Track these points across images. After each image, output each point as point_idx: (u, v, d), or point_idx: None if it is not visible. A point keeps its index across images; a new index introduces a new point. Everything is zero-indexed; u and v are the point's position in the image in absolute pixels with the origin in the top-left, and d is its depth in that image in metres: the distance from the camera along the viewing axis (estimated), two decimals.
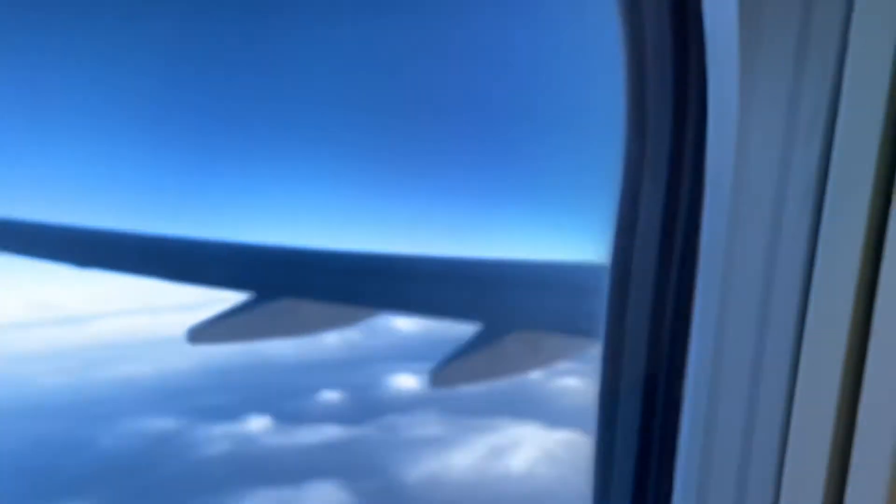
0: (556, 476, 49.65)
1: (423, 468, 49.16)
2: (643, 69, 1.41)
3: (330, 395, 72.36)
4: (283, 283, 5.70)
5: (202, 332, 5.34)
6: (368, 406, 68.07)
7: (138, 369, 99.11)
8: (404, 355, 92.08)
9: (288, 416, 64.86)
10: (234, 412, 65.48)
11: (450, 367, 4.10)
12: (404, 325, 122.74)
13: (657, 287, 1.61)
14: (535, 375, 72.54)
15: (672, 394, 1.58)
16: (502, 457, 52.15)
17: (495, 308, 4.77)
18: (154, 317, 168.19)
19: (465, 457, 51.19)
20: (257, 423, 62.32)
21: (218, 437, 58.49)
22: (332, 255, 6.35)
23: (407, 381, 76.27)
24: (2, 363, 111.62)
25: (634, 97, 1.47)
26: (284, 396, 72.31)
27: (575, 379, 72.44)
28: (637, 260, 1.63)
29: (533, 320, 4.50)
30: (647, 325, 1.63)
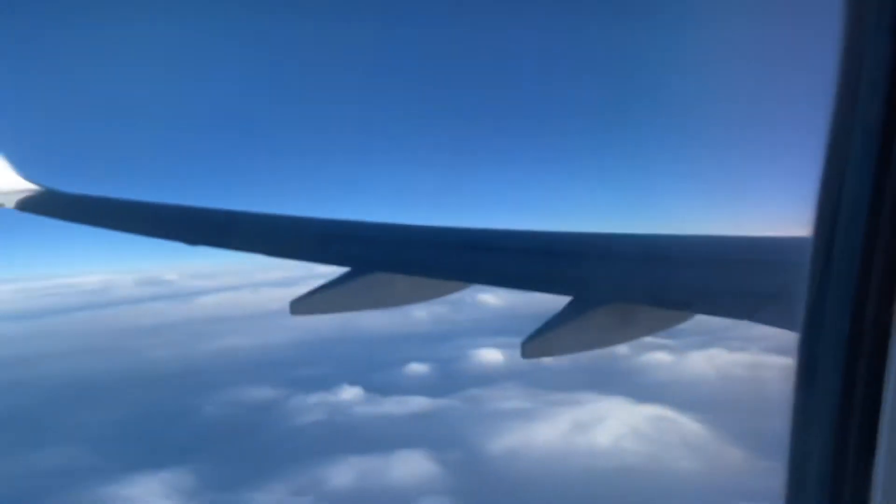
0: (642, 452, 49.02)
1: (507, 441, 49.67)
2: (859, 67, 1.42)
3: (417, 368, 74.11)
4: (377, 258, 6.11)
5: (303, 305, 5.67)
6: (454, 379, 69.24)
7: (241, 342, 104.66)
8: (489, 330, 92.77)
9: (378, 386, 66.95)
10: (327, 383, 68.21)
11: (541, 339, 4.26)
12: (490, 300, 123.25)
13: (859, 281, 1.49)
14: (624, 349, 71.60)
15: (871, 389, 1.47)
16: (586, 431, 51.93)
17: (586, 280, 4.93)
18: (255, 292, 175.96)
19: (548, 430, 51.32)
20: (349, 394, 64.72)
21: (312, 406, 61.19)
22: (425, 229, 6.68)
23: (492, 355, 76.96)
24: (116, 337, 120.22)
25: (846, 88, 1.46)
26: (375, 368, 74.65)
27: (664, 353, 71.10)
28: (839, 254, 1.52)
29: (624, 292, 4.61)
30: (848, 318, 1.53)
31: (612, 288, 4.89)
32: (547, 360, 72.51)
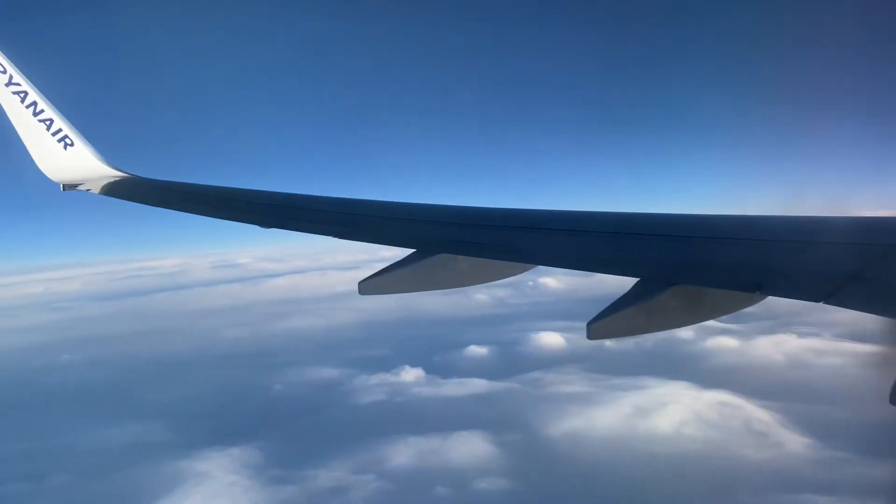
0: (705, 439, 47.97)
1: (566, 424, 49.49)
2: None
3: (478, 350, 74.50)
4: (442, 239, 6.14)
5: (370, 285, 5.77)
6: (514, 361, 69.32)
7: (308, 323, 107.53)
8: (551, 313, 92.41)
9: (438, 368, 67.75)
10: (389, 364, 69.49)
11: (607, 320, 4.42)
12: (552, 283, 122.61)
13: None
14: (688, 333, 70.12)
15: None
16: (648, 416, 51.24)
17: (653, 261, 5.06)
18: (322, 275, 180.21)
19: (609, 415, 50.85)
20: (410, 374, 65.77)
21: (374, 386, 62.49)
22: (490, 211, 6.89)
23: (552, 339, 76.59)
24: (192, 317, 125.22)
25: None
26: (436, 349, 75.44)
27: (730, 338, 69.22)
28: None
29: (692, 274, 4.72)
30: None
31: (679, 269, 4.80)
32: (610, 344, 71.77)
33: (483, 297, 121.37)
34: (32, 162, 9.79)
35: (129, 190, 9.79)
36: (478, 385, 59.85)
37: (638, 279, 4.61)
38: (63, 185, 10.01)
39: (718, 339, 67.87)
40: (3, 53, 9.29)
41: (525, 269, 5.91)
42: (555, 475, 40.97)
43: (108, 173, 10.12)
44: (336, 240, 7.01)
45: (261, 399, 61.82)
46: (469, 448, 45.29)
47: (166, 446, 49.57)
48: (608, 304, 4.48)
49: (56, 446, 52.90)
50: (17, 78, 9.43)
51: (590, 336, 4.40)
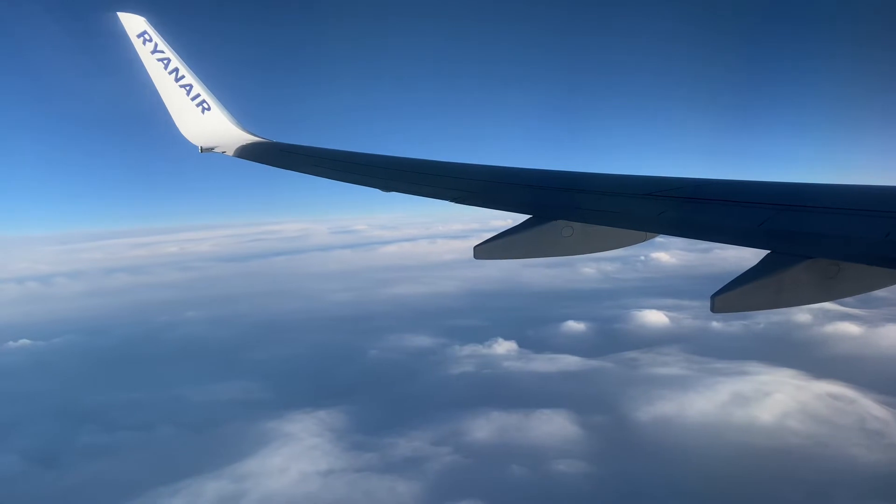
0: (809, 434, 44.04)
1: (657, 409, 47.04)
2: None
3: (575, 326, 72.55)
4: (559, 205, 6.15)
5: (485, 249, 5.91)
6: (611, 339, 66.85)
7: (411, 290, 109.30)
8: (659, 290, 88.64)
9: (532, 342, 66.61)
10: (483, 335, 69.12)
11: (734, 293, 4.09)
12: (665, 258, 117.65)
13: None
14: (806, 316, 64.89)
15: None
16: (747, 405, 47.72)
17: (786, 232, 4.58)
18: (432, 243, 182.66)
19: (704, 401, 47.83)
20: (503, 347, 65.08)
21: (464, 357, 62.38)
22: (608, 177, 6.58)
23: (655, 317, 73.27)
24: (303, 280, 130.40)
25: None
26: (533, 323, 74.25)
27: (853, 323, 63.34)
28: None
29: (829, 247, 4.27)
30: None
31: (817, 241, 4.47)
32: (716, 325, 67.47)
33: (590, 270, 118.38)
34: (174, 126, 10.46)
35: (260, 153, 10.30)
36: (569, 362, 58.32)
37: (768, 251, 4.44)
38: (201, 148, 10.62)
39: (839, 324, 62.31)
40: (149, 22, 9.95)
41: (645, 239, 5.78)
42: (638, 462, 39.18)
43: (242, 137, 10.78)
44: (450, 208, 7.19)
45: (355, 363, 63.39)
46: (551, 427, 44.22)
47: (262, 405, 51.93)
48: (725, 281, 4.37)
49: (168, 398, 56.77)
50: (162, 46, 10.03)
51: (713, 308, 4.28)
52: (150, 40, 9.97)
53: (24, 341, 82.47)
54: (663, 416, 44.94)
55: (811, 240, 4.54)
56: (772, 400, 46.31)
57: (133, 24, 9.90)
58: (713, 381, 50.42)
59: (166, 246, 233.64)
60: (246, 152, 10.44)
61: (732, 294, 4.33)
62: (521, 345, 64.58)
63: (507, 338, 66.33)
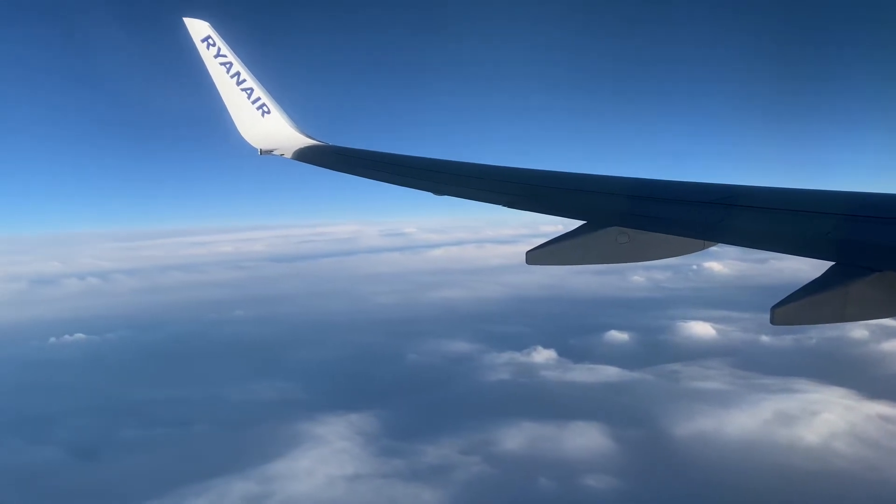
0: (857, 457, 41.64)
1: (696, 424, 45.28)
2: None
3: (618, 336, 70.92)
4: (614, 211, 6.01)
5: (538, 255, 5.85)
6: (655, 350, 65.00)
7: (456, 294, 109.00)
8: (709, 300, 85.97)
9: (573, 351, 65.35)
10: (523, 342, 68.22)
11: (796, 304, 3.92)
12: (718, 268, 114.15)
13: None
14: (863, 332, 61.91)
15: None
16: (792, 424, 45.53)
17: (856, 243, 4.37)
18: (480, 248, 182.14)
19: (746, 418, 45.78)
20: (542, 355, 64.06)
21: (502, 365, 61.67)
22: (665, 184, 6.48)
23: (702, 329, 71.01)
24: (351, 282, 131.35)
25: None
26: (574, 332, 72.92)
27: None
28: None
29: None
30: None
31: (884, 254, 4.29)
32: (766, 339, 64.99)
33: (640, 278, 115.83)
34: (234, 128, 10.86)
35: (316, 156, 10.56)
36: (608, 373, 57.02)
37: (833, 263, 4.31)
38: (260, 150, 10.94)
39: None
40: (213, 27, 10.35)
41: (703, 248, 5.68)
42: (671, 480, 37.85)
43: (299, 140, 11.08)
44: (500, 212, 7.20)
45: (393, 367, 63.36)
46: (583, 440, 43.20)
47: (297, 406, 52.34)
48: (779, 293, 4.24)
49: (208, 396, 57.80)
50: (224, 50, 10.43)
51: (773, 321, 4.14)
52: (214, 45, 10.31)
53: (79, 335, 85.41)
54: (701, 433, 43.40)
55: (880, 252, 4.35)
56: (818, 420, 44.23)
57: (198, 28, 10.28)
58: (757, 397, 48.52)
59: (222, 245, 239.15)
60: (303, 155, 10.68)
61: (794, 306, 4.16)
62: (560, 353, 63.49)
63: (546, 346, 65.32)
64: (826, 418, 44.36)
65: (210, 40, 10.30)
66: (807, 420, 44.34)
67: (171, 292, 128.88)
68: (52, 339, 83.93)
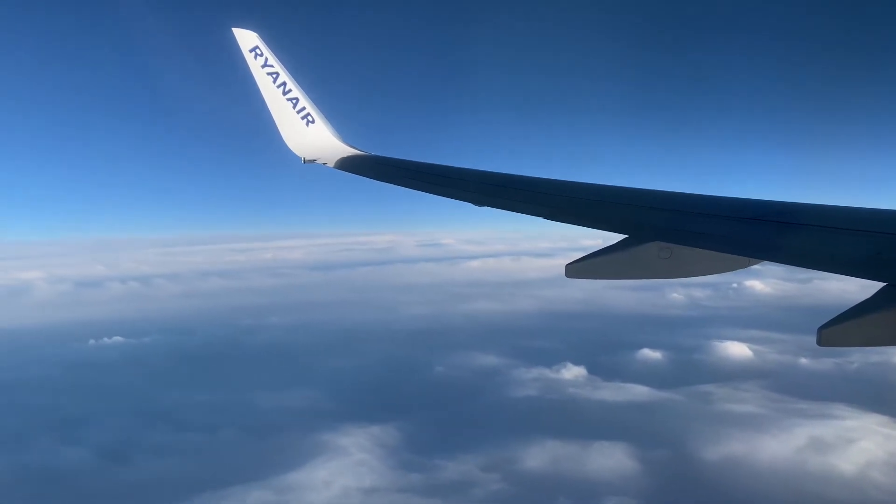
0: (895, 488, 39.89)
1: (724, 449, 43.82)
2: None
3: (651, 354, 69.44)
4: (656, 226, 5.97)
5: (578, 268, 5.84)
6: (687, 370, 63.33)
7: (488, 307, 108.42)
8: (747, 320, 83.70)
9: (603, 368, 64.13)
10: (553, 358, 67.23)
11: (844, 326, 3.84)
12: (759, 286, 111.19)
13: None
14: None
15: None
16: (827, 451, 43.76)
17: None
18: (516, 260, 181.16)
19: (778, 444, 44.18)
20: (571, 372, 63.03)
21: (530, 380, 60.85)
22: (709, 199, 6.31)
23: (738, 350, 69.05)
24: (384, 292, 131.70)
25: None
26: (606, 348, 71.65)
27: None
28: None
29: None
30: None
31: None
32: (803, 362, 62.72)
33: (678, 295, 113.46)
34: (279, 137, 11.05)
35: (359, 165, 10.63)
36: (638, 392, 55.80)
37: (885, 284, 4.15)
38: (304, 159, 11.05)
39: None
40: (261, 38, 10.61)
41: (747, 265, 5.66)
42: None
43: (343, 149, 11.18)
44: (540, 224, 7.32)
45: (420, 379, 63.12)
46: (607, 460, 42.26)
47: (321, 415, 52.44)
48: (823, 313, 4.10)
49: (237, 402, 58.40)
50: (272, 60, 10.68)
51: (820, 342, 4.00)
52: (261, 55, 10.54)
53: (117, 338, 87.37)
54: (730, 458, 42.06)
55: None
56: (855, 448, 42.51)
57: (246, 39, 10.54)
58: (791, 422, 46.89)
59: (262, 252, 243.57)
60: (346, 164, 10.74)
61: (842, 327, 3.99)
62: (590, 371, 62.44)
63: (576, 363, 64.31)
64: (863, 446, 42.62)
65: (258, 50, 10.53)
66: (842, 448, 42.66)
67: (209, 298, 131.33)
68: (92, 341, 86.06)
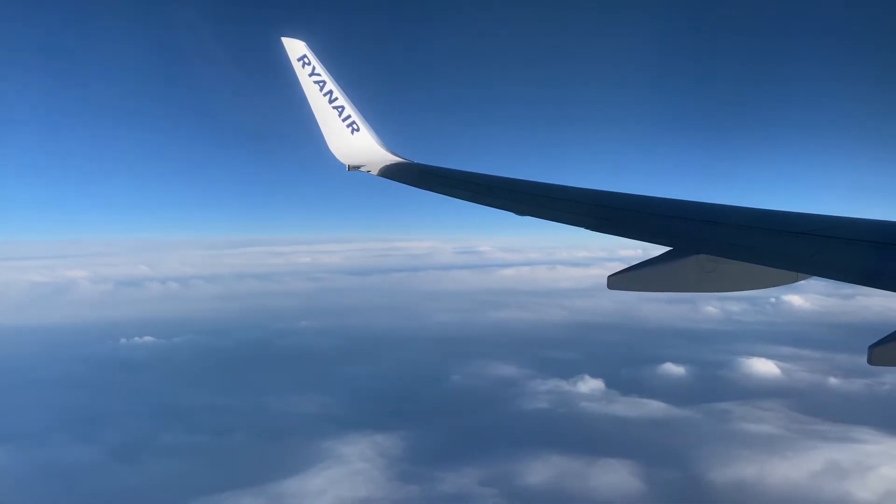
0: None
1: (736, 470, 42.24)
2: None
3: (674, 369, 67.59)
4: (704, 238, 5.94)
5: (620, 280, 5.80)
6: (709, 387, 61.43)
7: (516, 316, 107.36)
8: (781, 336, 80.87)
9: (622, 382, 62.68)
10: (571, 370, 65.96)
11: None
12: (798, 302, 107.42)
13: None
14: None
15: None
16: (844, 477, 41.68)
17: None
18: (551, 269, 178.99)
19: (792, 467, 42.40)
20: (587, 385, 61.74)
21: (544, 392, 59.81)
22: (756, 212, 6.27)
23: (764, 367, 66.67)
24: (415, 298, 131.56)
25: None
26: (629, 362, 70.05)
27: None
28: None
29: None
30: None
31: None
32: (833, 382, 60.33)
33: (713, 309, 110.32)
34: (324, 144, 11.34)
35: (402, 173, 10.86)
36: (654, 408, 54.33)
37: None
38: (348, 166, 11.34)
39: None
40: (309, 47, 10.95)
41: (795, 280, 5.61)
42: None
43: (386, 157, 11.43)
44: (579, 234, 7.10)
45: (435, 387, 62.69)
46: (612, 478, 41.13)
47: (330, 422, 52.48)
48: (865, 332, 4.14)
49: (253, 405, 58.91)
50: (319, 69, 10.96)
51: (871, 361, 3.95)
52: (309, 63, 10.82)
53: (148, 338, 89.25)
54: (738, 481, 40.51)
55: None
56: (875, 474, 40.53)
57: (294, 48, 10.85)
58: (810, 444, 44.99)
59: (301, 256, 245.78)
60: (389, 172, 10.94)
61: (894, 346, 3.88)
62: (608, 384, 61.10)
63: (595, 375, 63.01)
64: (883, 473, 40.61)
65: (305, 59, 10.78)
66: (861, 474, 40.71)
67: (244, 300, 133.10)
68: (123, 340, 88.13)
